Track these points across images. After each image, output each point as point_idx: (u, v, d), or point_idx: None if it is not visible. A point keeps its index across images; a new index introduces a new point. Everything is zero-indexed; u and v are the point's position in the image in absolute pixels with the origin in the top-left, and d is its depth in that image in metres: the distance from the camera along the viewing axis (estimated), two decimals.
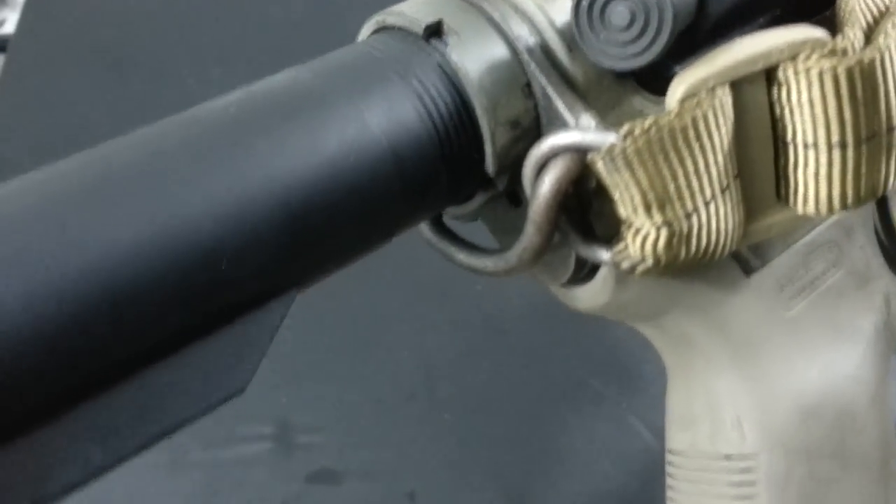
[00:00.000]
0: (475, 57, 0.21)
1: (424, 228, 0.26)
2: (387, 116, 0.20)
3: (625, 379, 0.53)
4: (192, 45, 0.78)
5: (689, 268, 0.23)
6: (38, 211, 0.16)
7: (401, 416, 0.51)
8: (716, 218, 0.22)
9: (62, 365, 0.15)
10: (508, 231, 0.24)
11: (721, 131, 0.21)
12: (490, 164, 0.22)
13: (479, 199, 0.24)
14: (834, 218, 0.26)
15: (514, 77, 0.21)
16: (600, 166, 0.20)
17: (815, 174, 0.22)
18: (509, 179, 0.23)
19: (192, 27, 0.81)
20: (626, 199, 0.21)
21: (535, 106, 0.22)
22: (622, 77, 0.22)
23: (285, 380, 0.53)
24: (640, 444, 0.50)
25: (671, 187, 0.21)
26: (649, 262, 0.22)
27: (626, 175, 0.20)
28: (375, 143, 0.20)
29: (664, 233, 0.21)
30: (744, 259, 0.25)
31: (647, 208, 0.21)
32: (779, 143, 0.23)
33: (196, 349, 0.18)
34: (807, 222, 0.26)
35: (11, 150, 0.69)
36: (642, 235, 0.21)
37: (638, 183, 0.20)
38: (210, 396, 0.18)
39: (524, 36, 0.21)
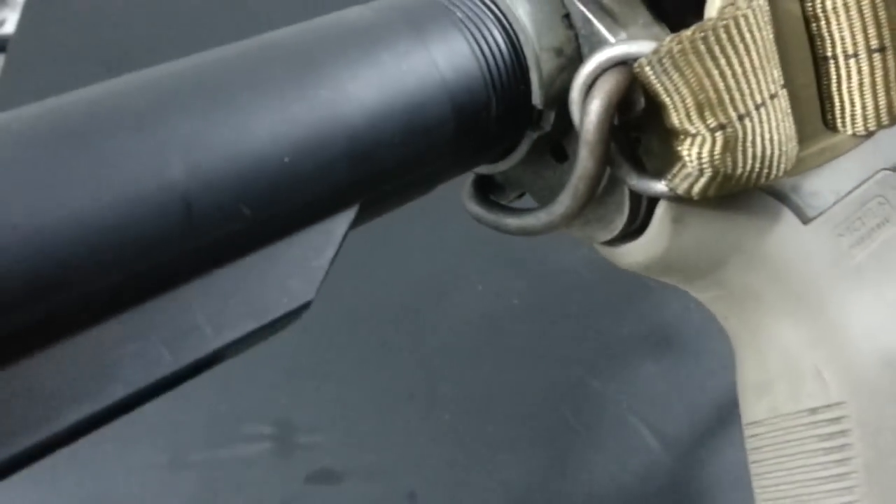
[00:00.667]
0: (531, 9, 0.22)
1: (470, 204, 0.26)
2: (439, 47, 0.21)
3: (625, 379, 0.53)
4: (192, 46, 0.78)
5: (745, 187, 0.22)
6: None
7: (401, 416, 0.51)
8: (768, 124, 0.21)
9: (129, 255, 0.15)
10: (555, 191, 0.24)
11: (763, 32, 0.21)
12: (536, 94, 0.22)
13: (525, 146, 0.23)
14: (880, 174, 0.26)
15: (554, 7, 0.22)
16: (648, 71, 0.20)
17: (859, 85, 0.22)
18: (556, 122, 0.23)
19: (192, 27, 0.80)
20: (678, 102, 0.21)
21: (577, 36, 0.22)
22: (653, 5, 0.23)
23: (285, 380, 0.53)
24: (640, 444, 0.50)
25: (721, 87, 0.20)
26: (707, 172, 0.21)
27: (676, 76, 0.20)
28: (431, 72, 0.20)
29: (720, 137, 0.21)
30: (798, 207, 0.25)
31: (700, 111, 0.21)
32: (819, 63, 0.23)
33: (264, 254, 0.18)
34: (857, 160, 0.26)
35: None
36: (699, 142, 0.21)
37: (688, 83, 0.20)
38: (278, 304, 0.18)
39: None
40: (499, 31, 0.22)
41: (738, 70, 0.21)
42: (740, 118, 0.21)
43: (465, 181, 0.26)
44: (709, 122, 0.21)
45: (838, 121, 0.23)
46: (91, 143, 0.15)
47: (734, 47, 0.20)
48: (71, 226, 0.14)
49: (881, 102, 0.23)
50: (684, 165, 0.22)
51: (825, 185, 0.25)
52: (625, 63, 0.21)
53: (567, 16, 0.22)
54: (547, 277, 0.58)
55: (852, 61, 0.22)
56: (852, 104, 0.23)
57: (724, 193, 0.23)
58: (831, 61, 0.23)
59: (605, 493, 0.48)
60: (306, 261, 0.18)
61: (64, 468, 0.49)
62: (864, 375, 0.24)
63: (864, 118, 0.23)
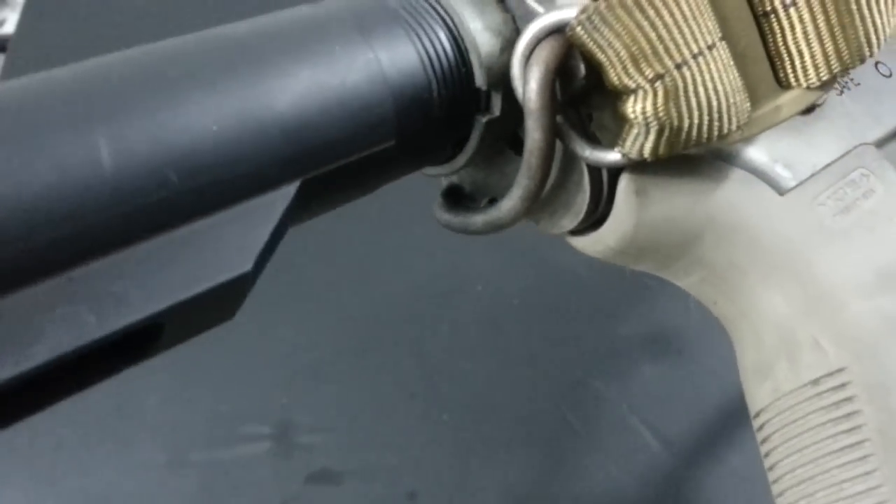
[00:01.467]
0: None
1: (440, 213, 0.26)
2: (374, 32, 0.21)
3: (625, 379, 0.53)
4: None
5: (699, 142, 0.22)
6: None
7: (401, 416, 0.51)
8: (708, 73, 0.22)
9: (55, 219, 0.16)
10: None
11: None
12: (478, 74, 0.23)
13: (476, 133, 0.24)
14: (859, 148, 0.26)
15: None
16: (580, 32, 0.21)
17: (804, 34, 0.22)
18: (507, 108, 0.23)
19: (191, 27, 0.80)
20: (613, 58, 0.21)
21: (513, 18, 0.23)
22: None
23: (285, 380, 0.53)
24: (640, 443, 0.50)
25: (654, 37, 0.21)
26: (654, 127, 0.21)
27: (607, 32, 0.21)
28: (365, 54, 0.21)
29: (659, 88, 0.21)
30: (772, 179, 0.25)
31: (636, 63, 0.21)
32: (761, 23, 0.23)
33: (197, 225, 0.18)
34: (833, 135, 0.26)
35: None
36: (640, 97, 0.21)
37: (620, 37, 0.21)
38: (211, 275, 0.18)
39: None
40: (434, 16, 0.22)
41: (669, 20, 0.21)
42: (678, 67, 0.21)
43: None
44: (646, 73, 0.21)
45: (790, 76, 0.23)
46: (21, 118, 0.16)
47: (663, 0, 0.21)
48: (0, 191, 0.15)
49: (828, 48, 0.23)
50: (632, 125, 0.22)
51: (801, 159, 0.25)
52: (559, 31, 0.21)
53: (502, 0, 0.23)
54: (547, 277, 0.58)
55: (792, 10, 0.22)
56: (801, 55, 0.23)
57: (679, 151, 0.22)
58: (772, 16, 0.23)
59: (605, 493, 0.48)
60: (242, 234, 0.18)
61: (64, 468, 0.49)
62: (863, 336, 0.23)
63: (815, 67, 0.23)
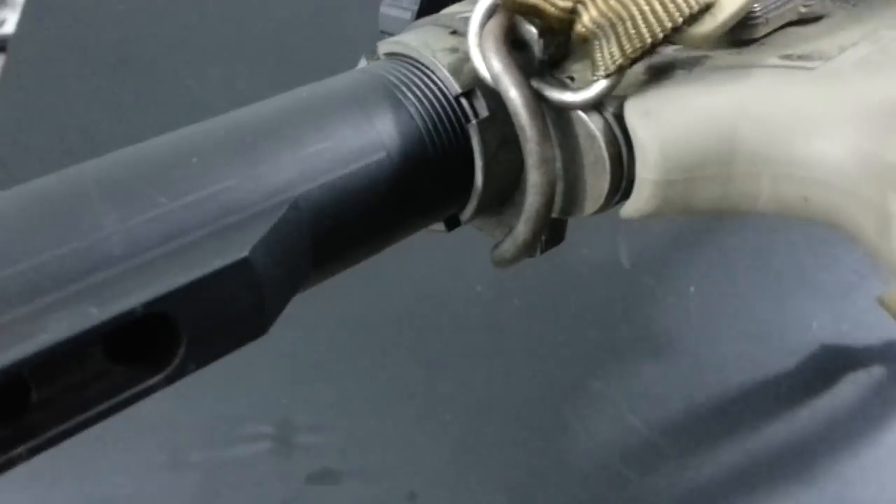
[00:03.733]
0: (416, 37, 0.26)
1: (494, 254, 0.27)
2: (375, 107, 0.24)
3: (625, 379, 0.53)
4: (191, 46, 0.78)
5: (663, 31, 0.23)
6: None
7: (401, 416, 0.51)
8: None
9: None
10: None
11: None
12: (450, 82, 0.24)
13: (475, 138, 0.24)
14: (880, 31, 0.25)
15: (439, 29, 0.26)
16: None
17: None
18: (496, 108, 0.24)
19: (192, 27, 0.81)
20: None
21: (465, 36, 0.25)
22: None
23: (285, 380, 0.53)
24: (640, 443, 0.50)
25: None
26: (605, 28, 0.23)
27: None
28: (368, 129, 0.23)
29: None
30: (798, 65, 0.24)
31: None
32: None
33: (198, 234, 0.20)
34: (853, 24, 0.25)
35: (11, 150, 0.69)
36: (581, 14, 0.23)
37: None
38: (210, 262, 0.19)
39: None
40: (412, 71, 0.25)
41: None
42: None
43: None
44: None
45: None
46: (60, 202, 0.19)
47: None
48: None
49: None
50: (592, 39, 0.23)
51: (826, 45, 0.24)
52: (496, 11, 0.24)
53: (454, 31, 0.25)
54: (547, 277, 0.58)
55: None
56: None
57: (648, 46, 0.23)
58: None
59: (605, 492, 0.48)
60: (235, 236, 0.20)
61: (64, 468, 0.49)
62: None
63: None
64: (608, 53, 0.23)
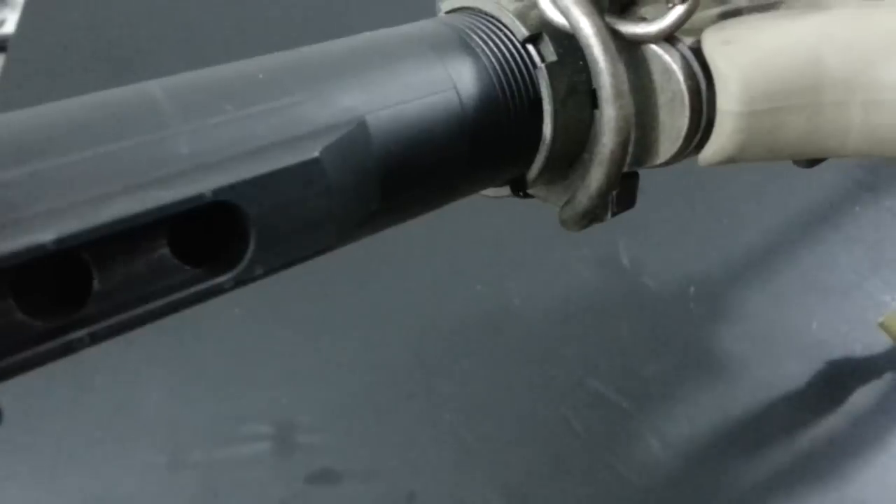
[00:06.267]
0: None
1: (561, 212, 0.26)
2: (450, 56, 0.23)
3: (625, 379, 0.53)
4: (192, 46, 0.78)
5: None
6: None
7: (401, 416, 0.51)
8: None
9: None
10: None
11: None
12: (517, 27, 0.24)
13: (543, 83, 0.24)
14: None
15: None
16: None
17: None
18: (560, 53, 0.24)
19: (192, 27, 0.81)
20: None
21: None
22: None
23: (285, 380, 0.53)
24: (640, 443, 0.50)
25: None
26: None
27: None
28: (445, 78, 0.23)
29: None
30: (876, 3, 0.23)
31: None
32: None
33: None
34: None
35: None
36: None
37: None
38: (273, 162, 0.19)
39: None
40: (483, 22, 0.24)
41: None
42: None
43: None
44: None
45: None
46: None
47: None
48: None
49: None
50: None
51: None
52: None
53: None
54: (547, 277, 0.58)
55: None
56: None
57: None
58: None
59: (605, 493, 0.48)
60: (304, 141, 0.20)
61: (64, 468, 0.49)
62: None
63: None
64: None
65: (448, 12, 0.26)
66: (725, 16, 0.25)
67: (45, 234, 0.15)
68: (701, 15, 0.23)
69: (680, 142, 0.24)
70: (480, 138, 0.23)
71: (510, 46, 0.24)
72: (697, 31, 0.23)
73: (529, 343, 0.55)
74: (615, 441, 0.50)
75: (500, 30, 0.24)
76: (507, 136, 0.24)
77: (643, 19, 0.23)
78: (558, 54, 0.24)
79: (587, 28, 0.22)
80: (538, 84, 0.24)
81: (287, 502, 0.48)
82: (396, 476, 0.49)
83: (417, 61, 0.22)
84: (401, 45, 0.23)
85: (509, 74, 0.24)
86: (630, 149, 0.23)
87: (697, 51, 0.23)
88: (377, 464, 0.49)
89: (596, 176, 0.23)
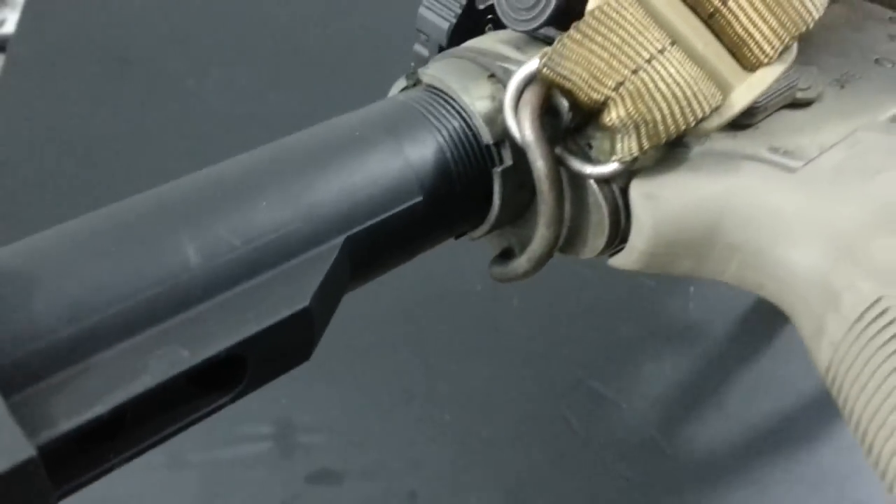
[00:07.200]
0: (456, 77, 0.28)
1: (493, 270, 0.30)
2: (405, 134, 0.27)
3: (625, 379, 0.53)
4: (191, 46, 0.78)
5: (679, 130, 0.26)
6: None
7: (401, 416, 0.51)
8: (665, 70, 0.25)
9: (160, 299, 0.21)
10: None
11: (630, 10, 0.25)
12: (483, 131, 0.27)
13: (497, 184, 0.27)
14: (858, 132, 0.28)
15: (479, 71, 0.29)
16: (546, 71, 0.25)
17: (749, 21, 0.26)
18: (519, 160, 0.27)
19: (191, 27, 0.81)
20: (579, 82, 0.25)
21: (503, 86, 0.27)
22: (535, 39, 0.29)
23: (285, 380, 0.53)
24: (639, 444, 0.50)
25: (606, 56, 0.25)
26: (630, 124, 0.25)
27: (567, 64, 0.25)
28: (397, 152, 0.26)
29: (624, 92, 0.25)
30: (780, 163, 0.27)
31: (597, 79, 0.25)
32: (710, 23, 0.26)
33: (266, 276, 0.23)
34: (834, 122, 0.28)
35: (11, 150, 0.69)
36: (612, 106, 0.25)
37: (578, 64, 0.25)
38: (278, 311, 0.22)
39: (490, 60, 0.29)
40: (443, 104, 0.28)
41: (616, 40, 0.25)
42: (634, 72, 0.25)
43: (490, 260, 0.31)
44: (608, 84, 0.25)
45: (751, 59, 0.26)
46: (130, 233, 0.22)
47: (607, 28, 0.25)
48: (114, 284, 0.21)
49: (773, 24, 0.26)
50: (615, 131, 0.26)
51: (808, 142, 0.27)
52: (535, 79, 0.26)
53: (492, 75, 0.28)
54: (547, 277, 0.58)
55: (731, 3, 0.25)
56: (752, 38, 0.26)
57: (662, 142, 0.26)
58: (716, 15, 0.26)
59: (605, 492, 0.48)
60: (300, 278, 0.23)
61: None
62: (890, 266, 0.25)
63: (768, 43, 0.26)
64: (627, 146, 0.26)
65: (424, 84, 0.29)
66: (659, 147, 0.28)
67: (103, 407, 0.19)
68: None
69: (596, 252, 0.29)
70: (438, 227, 0.28)
71: (475, 147, 0.27)
72: (634, 172, 0.27)
73: (529, 343, 0.55)
74: (615, 441, 0.50)
75: (469, 129, 0.27)
76: (460, 218, 0.28)
77: (589, 146, 0.27)
78: (514, 159, 0.27)
79: (541, 169, 0.26)
80: (493, 179, 0.28)
81: (287, 502, 0.48)
82: (397, 476, 0.49)
83: (391, 164, 0.26)
84: (373, 142, 0.26)
85: (469, 172, 0.27)
86: (560, 241, 0.28)
87: (626, 189, 0.27)
88: (377, 464, 0.49)
89: (524, 265, 0.29)
